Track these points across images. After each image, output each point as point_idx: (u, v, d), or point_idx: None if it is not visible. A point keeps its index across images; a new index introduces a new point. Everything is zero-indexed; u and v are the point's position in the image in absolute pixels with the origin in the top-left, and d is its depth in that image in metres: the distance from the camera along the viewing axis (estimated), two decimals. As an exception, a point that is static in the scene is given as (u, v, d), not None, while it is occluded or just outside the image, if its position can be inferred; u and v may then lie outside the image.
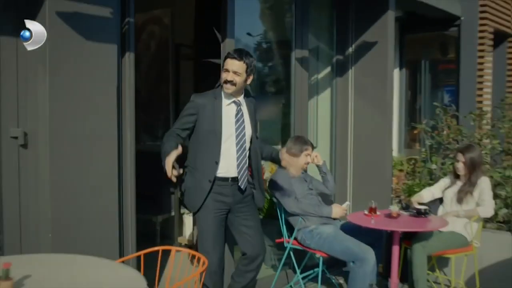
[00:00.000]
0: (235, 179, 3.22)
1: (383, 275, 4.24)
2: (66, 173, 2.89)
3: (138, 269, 2.46)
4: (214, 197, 3.18)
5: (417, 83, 7.92)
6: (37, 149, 2.92)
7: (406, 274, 4.01)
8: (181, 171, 3.03)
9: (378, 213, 3.82)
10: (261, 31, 4.91)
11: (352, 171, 5.01)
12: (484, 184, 4.03)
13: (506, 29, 7.76)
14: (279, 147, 4.47)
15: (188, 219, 5.34)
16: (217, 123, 3.18)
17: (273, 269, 4.61)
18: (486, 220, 4.25)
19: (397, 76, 7.23)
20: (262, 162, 3.55)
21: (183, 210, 5.47)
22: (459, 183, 4.15)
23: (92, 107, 3.00)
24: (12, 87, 2.90)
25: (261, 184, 3.37)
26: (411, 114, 8.15)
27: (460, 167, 4.08)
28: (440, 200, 4.28)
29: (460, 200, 4.06)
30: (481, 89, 7.22)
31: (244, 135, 3.23)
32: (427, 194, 4.24)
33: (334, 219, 3.97)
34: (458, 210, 4.04)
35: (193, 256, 2.64)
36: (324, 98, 5.10)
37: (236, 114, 3.22)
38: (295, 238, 3.95)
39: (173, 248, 2.71)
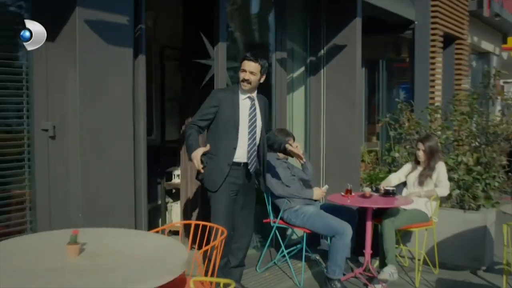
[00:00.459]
0: (245, 164, 3.70)
1: (355, 252, 4.82)
2: (92, 160, 3.30)
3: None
4: (229, 179, 3.63)
5: (375, 81, 8.52)
6: (65, 139, 3.31)
7: (376, 250, 4.62)
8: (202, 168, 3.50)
9: (353, 194, 4.41)
10: (245, 35, 5.39)
11: (325, 158, 5.60)
12: (440, 168, 4.70)
13: (454, 33, 8.57)
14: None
15: (175, 207, 5.76)
16: (235, 114, 3.64)
17: (256, 249, 5.10)
18: (442, 200, 4.92)
19: (358, 74, 7.86)
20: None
21: (168, 199, 5.91)
22: (419, 168, 4.80)
23: (112, 102, 3.41)
24: (43, 86, 3.28)
25: (264, 171, 3.88)
26: (370, 109, 8.80)
27: (421, 154, 4.73)
28: (404, 184, 4.92)
29: (421, 182, 4.72)
30: (433, 86, 7.98)
31: (255, 126, 3.71)
32: (394, 179, 4.87)
33: (315, 200, 4.53)
34: (419, 191, 4.69)
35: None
36: (299, 94, 5.65)
37: (250, 108, 3.71)
38: (281, 218, 4.48)
39: (193, 222, 3.19)
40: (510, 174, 5.38)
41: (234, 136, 3.64)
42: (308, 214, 4.32)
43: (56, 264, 2.27)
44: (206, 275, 2.78)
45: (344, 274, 4.34)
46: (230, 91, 3.76)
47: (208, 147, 3.51)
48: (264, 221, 4.65)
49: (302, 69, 5.66)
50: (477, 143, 5.18)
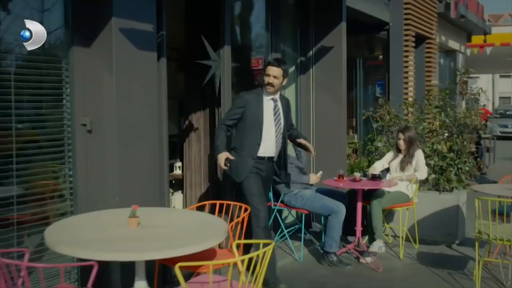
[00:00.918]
0: (269, 158, 4.16)
1: (344, 233, 5.40)
2: (125, 150, 3.76)
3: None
4: (254, 171, 4.09)
5: (352, 78, 9.14)
6: (101, 133, 3.76)
7: (365, 230, 5.21)
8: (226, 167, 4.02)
9: (345, 178, 5.00)
10: (245, 38, 5.91)
11: (314, 148, 6.16)
12: (419, 155, 5.34)
13: (424, 33, 9.30)
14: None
15: (177, 196, 6.24)
16: (259, 114, 4.08)
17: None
18: (421, 183, 5.56)
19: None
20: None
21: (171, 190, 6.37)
22: (400, 156, 5.43)
23: (140, 100, 3.88)
24: (81, 87, 3.73)
25: (286, 165, 4.34)
26: (347, 105, 9.42)
27: (401, 143, 5.36)
28: (387, 169, 5.54)
29: (402, 168, 5.35)
30: (406, 82, 8.67)
31: (280, 124, 4.15)
32: (378, 166, 5.49)
33: (311, 185, 5.10)
34: (401, 175, 5.32)
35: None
36: (290, 91, 6.21)
37: (274, 108, 4.15)
38: (282, 201, 5.03)
39: (218, 202, 3.72)
40: (478, 159, 6.08)
41: (258, 133, 4.09)
42: (307, 197, 4.88)
43: (122, 233, 2.77)
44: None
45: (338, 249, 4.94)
46: (255, 94, 4.20)
47: (230, 156, 4.01)
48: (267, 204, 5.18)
49: (293, 68, 6.22)
50: (449, 133, 5.84)
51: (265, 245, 2.62)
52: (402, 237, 5.23)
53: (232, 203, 3.70)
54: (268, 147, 4.15)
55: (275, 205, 5.08)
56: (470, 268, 4.72)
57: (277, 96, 4.22)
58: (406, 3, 8.40)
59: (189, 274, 4.12)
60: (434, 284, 4.48)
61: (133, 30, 3.76)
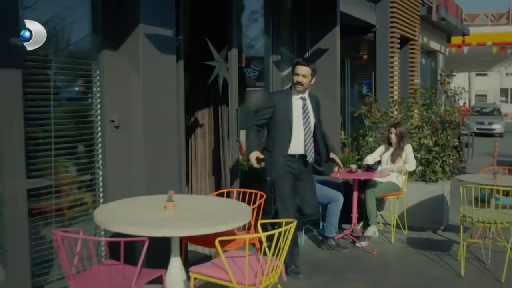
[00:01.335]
0: (301, 156, 4.27)
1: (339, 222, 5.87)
2: (149, 143, 4.16)
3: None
4: (286, 168, 4.22)
5: (341, 78, 9.61)
6: (127, 128, 4.15)
7: (360, 217, 5.69)
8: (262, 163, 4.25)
9: (341, 170, 5.47)
10: (249, 41, 6.35)
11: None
12: (408, 149, 5.85)
13: (408, 35, 9.84)
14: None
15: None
16: (289, 113, 4.17)
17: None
18: (409, 175, 6.06)
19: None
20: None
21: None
22: (391, 149, 5.93)
23: (162, 98, 4.29)
24: (110, 87, 4.12)
25: (328, 158, 4.48)
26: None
27: (393, 137, 5.86)
28: (378, 162, 6.04)
29: (393, 160, 5.85)
30: (392, 81, 9.18)
31: (309, 122, 4.26)
32: (370, 158, 5.98)
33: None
34: (392, 167, 5.82)
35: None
36: (288, 90, 6.67)
37: (303, 107, 4.26)
38: (284, 191, 5.47)
39: (234, 190, 4.15)
40: (461, 152, 6.61)
41: (288, 132, 4.21)
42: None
43: (162, 215, 3.18)
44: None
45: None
46: (284, 93, 4.36)
47: (260, 156, 4.27)
48: (269, 194, 5.62)
49: (290, 68, 6.66)
50: (434, 129, 6.36)
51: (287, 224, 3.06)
52: (393, 224, 5.73)
53: (248, 190, 4.13)
54: (297, 145, 4.26)
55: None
56: (455, 250, 5.23)
57: (305, 95, 4.33)
58: (391, 7, 8.90)
59: (203, 258, 4.56)
60: (424, 264, 4.98)
61: (156, 35, 4.16)
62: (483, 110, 27.14)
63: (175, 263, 3.20)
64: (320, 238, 5.45)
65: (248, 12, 6.30)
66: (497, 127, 24.04)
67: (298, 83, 4.24)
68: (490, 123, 24.18)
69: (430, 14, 10.50)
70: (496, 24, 27.40)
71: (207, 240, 3.65)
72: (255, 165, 4.21)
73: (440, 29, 12.80)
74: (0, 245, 3.44)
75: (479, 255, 5.09)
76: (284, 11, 6.43)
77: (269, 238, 2.92)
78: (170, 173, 4.36)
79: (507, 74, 48.64)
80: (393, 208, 5.80)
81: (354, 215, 5.46)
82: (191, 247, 4.42)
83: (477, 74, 42.82)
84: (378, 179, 5.61)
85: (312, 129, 4.35)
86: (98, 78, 4.11)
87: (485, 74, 44.34)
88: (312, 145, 4.35)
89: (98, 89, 4.12)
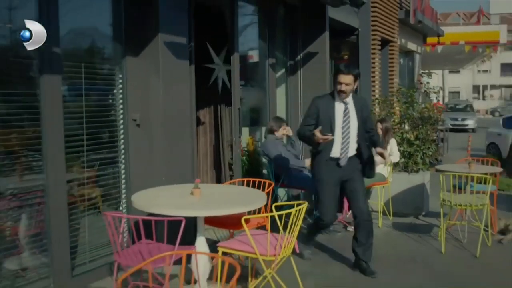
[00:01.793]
0: (337, 159, 4.33)
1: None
2: (168, 139, 4.66)
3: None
4: (328, 171, 4.35)
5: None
6: (147, 126, 4.64)
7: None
8: (330, 136, 4.17)
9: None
10: (247, 45, 6.89)
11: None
12: (393, 142, 6.47)
13: (388, 37, 10.50)
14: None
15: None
16: (331, 117, 4.23)
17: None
18: (393, 166, 6.69)
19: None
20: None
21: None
22: (377, 143, 6.54)
23: (178, 99, 4.79)
24: (132, 88, 4.62)
25: (371, 161, 4.56)
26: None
27: (379, 132, 6.46)
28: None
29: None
30: (373, 81, 9.82)
31: (349, 126, 4.26)
32: (359, 151, 6.57)
33: (306, 168, 6.13)
34: (378, 160, 6.43)
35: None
36: (282, 90, 7.23)
37: (344, 110, 4.28)
38: (282, 182, 6.03)
39: (245, 180, 4.70)
40: (438, 145, 7.28)
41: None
42: (304, 177, 5.90)
43: (191, 200, 3.70)
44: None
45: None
46: (326, 98, 4.38)
47: (319, 127, 4.13)
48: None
49: (283, 70, 7.24)
50: (415, 124, 7.01)
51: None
52: (380, 211, 6.34)
53: (257, 179, 4.68)
54: (337, 148, 4.34)
55: (276, 185, 6.08)
56: (435, 232, 5.87)
57: (348, 99, 4.33)
58: (373, 11, 9.54)
59: (212, 242, 5.07)
60: (409, 244, 5.61)
61: (173, 43, 4.66)
62: (457, 106, 28.14)
63: (201, 241, 3.71)
64: (315, 224, 6.02)
65: (246, 20, 6.83)
66: (470, 123, 25.09)
67: (342, 91, 4.24)
68: (463, 119, 25.19)
69: (407, 18, 11.20)
70: (468, 23, 28.49)
71: (224, 222, 4.21)
72: (325, 138, 4.09)
73: (417, 31, 13.54)
74: (46, 231, 3.93)
75: (457, 235, 5.73)
76: (278, 18, 6.99)
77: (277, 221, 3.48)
78: (185, 165, 4.87)
79: (479, 71, 50.26)
80: (380, 196, 6.40)
81: (346, 203, 6.05)
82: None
83: (450, 72, 44.05)
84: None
85: (351, 133, 4.36)
86: (120, 81, 4.60)
87: (458, 72, 45.68)
88: (348, 149, 4.37)
89: (121, 91, 4.61)
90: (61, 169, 3.99)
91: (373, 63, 9.68)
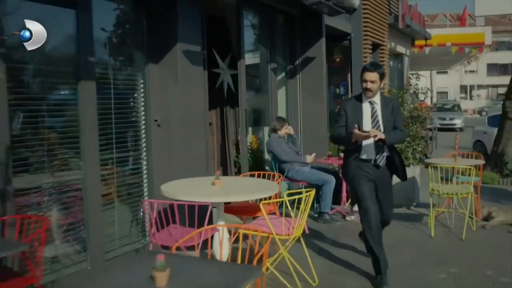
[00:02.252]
0: (374, 160, 4.23)
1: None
2: (186, 139, 5.19)
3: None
4: (359, 171, 4.25)
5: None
6: (167, 126, 5.17)
7: (348, 197, 6.83)
8: (370, 131, 4.05)
9: (332, 158, 6.62)
10: (251, 50, 7.44)
11: (302, 138, 7.77)
12: (385, 139, 7.04)
13: (378, 41, 11.08)
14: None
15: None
16: (358, 118, 4.17)
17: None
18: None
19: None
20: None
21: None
22: (371, 140, 7.11)
23: (194, 102, 5.32)
24: (154, 93, 5.14)
25: (401, 164, 4.35)
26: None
27: (372, 130, 7.04)
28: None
29: (373, 149, 7.03)
30: (366, 83, 10.35)
31: (378, 126, 4.16)
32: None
33: (307, 163, 6.69)
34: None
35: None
36: (281, 94, 7.79)
37: (371, 110, 4.20)
38: (286, 176, 6.58)
39: (256, 173, 5.24)
40: (427, 142, 7.88)
41: None
42: (306, 172, 6.47)
43: (213, 189, 4.23)
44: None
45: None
46: (353, 100, 4.37)
47: (356, 125, 4.05)
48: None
49: (284, 74, 7.80)
50: (406, 123, 7.60)
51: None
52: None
53: (267, 172, 5.23)
54: (368, 149, 4.24)
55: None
56: (426, 220, 6.45)
57: (375, 99, 4.27)
58: (364, 17, 10.09)
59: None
60: (402, 230, 6.18)
61: (189, 51, 5.19)
62: (445, 106, 28.88)
63: (222, 223, 4.26)
64: (316, 215, 6.57)
65: (250, 27, 7.39)
66: (458, 122, 25.84)
67: (367, 89, 4.19)
68: (451, 119, 25.93)
69: (397, 22, 11.80)
70: (454, 25, 29.29)
71: (240, 210, 4.75)
72: (367, 134, 4.03)
73: (405, 34, 14.17)
74: (85, 223, 4.44)
75: (445, 222, 6.32)
76: (278, 26, 7.55)
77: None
78: (200, 161, 5.41)
79: (466, 72, 51.21)
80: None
81: (344, 195, 6.62)
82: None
83: (438, 72, 44.90)
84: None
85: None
86: (143, 86, 5.13)
87: (446, 72, 46.57)
88: (383, 149, 4.27)
89: (143, 94, 5.13)
90: (96, 165, 4.50)
91: (365, 66, 10.21)
